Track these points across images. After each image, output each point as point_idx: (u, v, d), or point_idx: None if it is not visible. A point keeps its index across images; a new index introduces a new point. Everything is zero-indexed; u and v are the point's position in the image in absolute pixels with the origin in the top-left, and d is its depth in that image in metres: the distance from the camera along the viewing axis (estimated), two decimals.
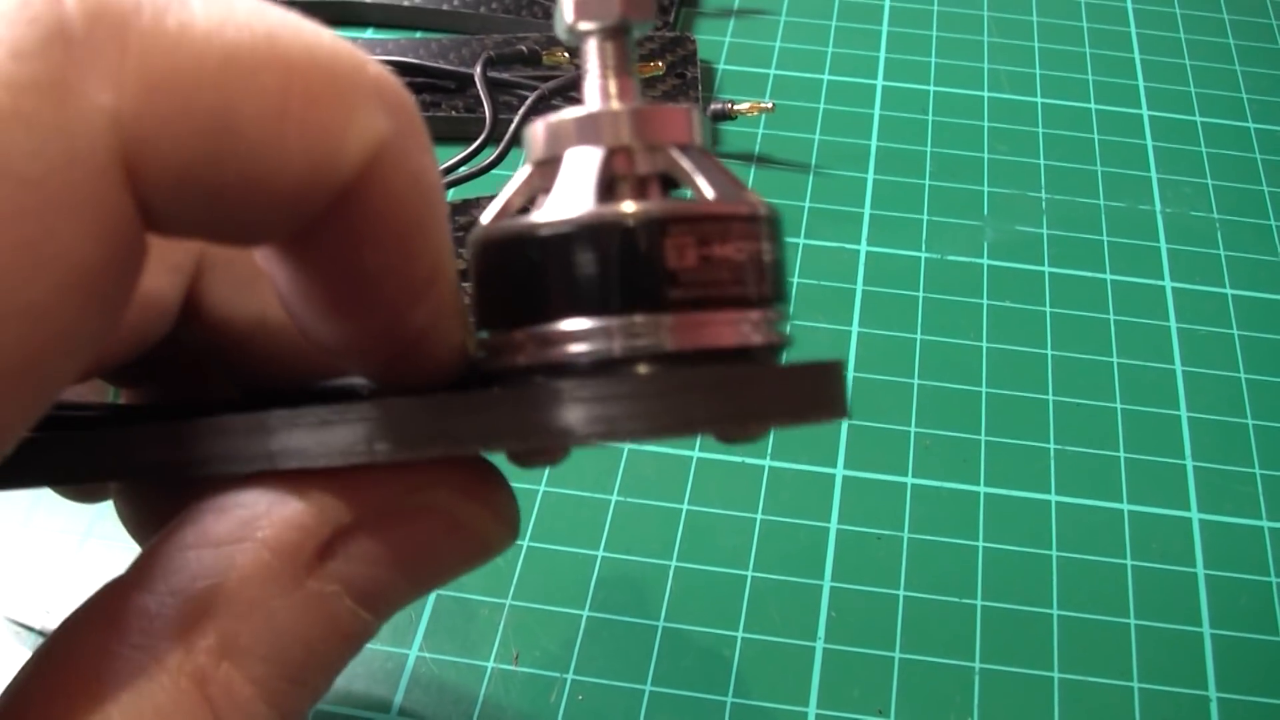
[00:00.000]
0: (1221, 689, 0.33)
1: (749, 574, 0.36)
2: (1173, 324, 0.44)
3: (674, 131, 0.20)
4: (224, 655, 0.20)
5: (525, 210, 0.20)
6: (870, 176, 0.49)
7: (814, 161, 0.50)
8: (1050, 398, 0.41)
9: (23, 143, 0.16)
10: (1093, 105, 0.53)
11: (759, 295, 0.19)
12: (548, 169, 0.19)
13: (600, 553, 0.36)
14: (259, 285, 0.26)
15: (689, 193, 0.20)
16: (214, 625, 0.20)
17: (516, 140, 0.48)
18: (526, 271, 0.18)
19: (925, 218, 0.47)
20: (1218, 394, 0.41)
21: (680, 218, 0.18)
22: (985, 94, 0.53)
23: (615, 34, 0.20)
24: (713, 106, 0.49)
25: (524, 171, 0.20)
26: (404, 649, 0.34)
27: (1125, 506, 0.38)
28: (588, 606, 0.35)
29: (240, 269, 0.26)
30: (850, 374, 0.42)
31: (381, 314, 0.19)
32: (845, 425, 0.40)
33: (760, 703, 0.33)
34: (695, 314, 0.18)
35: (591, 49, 0.20)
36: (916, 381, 0.41)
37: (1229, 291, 0.45)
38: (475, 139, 0.47)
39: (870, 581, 0.36)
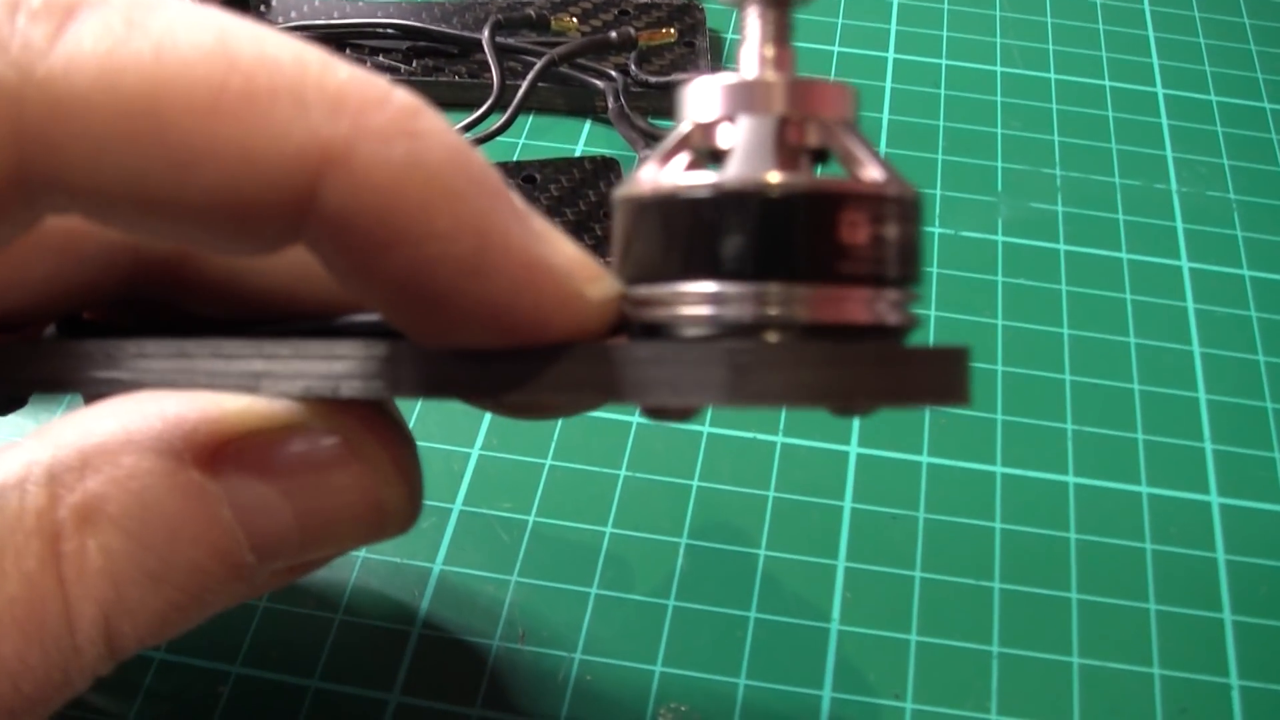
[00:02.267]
0: (1244, 676, 0.33)
1: (761, 553, 0.35)
2: (1190, 305, 0.43)
3: (838, 107, 0.20)
4: (86, 518, 0.19)
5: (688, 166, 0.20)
6: (882, 151, 0.48)
7: None
8: (1067, 377, 0.40)
9: None
10: (1107, 82, 0.52)
11: (907, 275, 0.20)
12: (709, 130, 0.20)
13: (608, 529, 0.35)
14: None
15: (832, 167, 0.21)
16: (85, 483, 0.19)
17: (524, 107, 0.46)
18: (704, 229, 0.19)
19: (938, 193, 0.47)
20: (1236, 377, 0.41)
21: (858, 195, 0.19)
22: (998, 69, 0.52)
23: (779, 3, 0.21)
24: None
25: (684, 128, 0.20)
26: (406, 626, 0.33)
27: (1144, 489, 0.37)
28: (596, 584, 0.34)
29: None
30: None
31: (452, 301, 0.19)
32: None
33: (774, 685, 0.32)
34: (858, 289, 0.19)
35: (753, 16, 0.21)
36: None
37: (1246, 273, 0.44)
38: (479, 105, 0.46)
39: (886, 562, 0.35)
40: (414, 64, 0.50)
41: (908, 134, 0.49)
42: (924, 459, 0.38)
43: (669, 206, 0.19)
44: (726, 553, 0.35)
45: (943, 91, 0.51)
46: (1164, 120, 0.50)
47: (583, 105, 0.50)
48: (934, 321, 0.42)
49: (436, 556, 0.34)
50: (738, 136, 0.20)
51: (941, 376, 0.20)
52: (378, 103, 0.18)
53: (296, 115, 0.17)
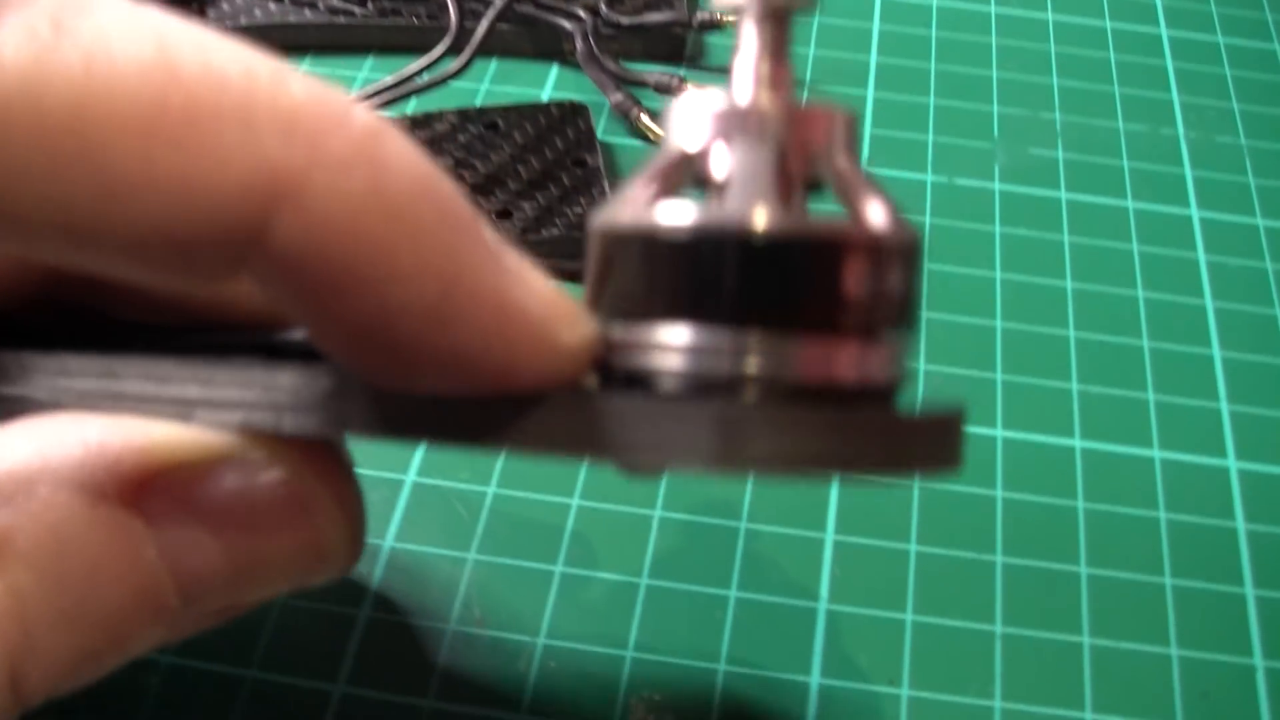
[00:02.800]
0: (1269, 656, 0.30)
1: (742, 526, 0.32)
2: (1201, 256, 0.40)
3: (838, 136, 0.19)
4: None
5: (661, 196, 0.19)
6: (870, 94, 0.45)
7: (809, 78, 0.46)
8: (1071, 333, 0.37)
9: None
10: (1107, 23, 0.49)
11: (900, 326, 0.19)
12: (698, 156, 0.18)
13: (575, 501, 0.32)
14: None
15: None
16: None
17: (484, 49, 0.43)
18: (685, 270, 0.17)
19: (931, 139, 0.44)
20: (1253, 332, 0.38)
21: (855, 243, 0.17)
22: (992, 9, 0.49)
23: (779, 15, 0.19)
24: (699, 16, 0.45)
25: (672, 154, 0.19)
26: (353, 609, 0.30)
27: (1156, 454, 0.34)
28: (561, 562, 0.31)
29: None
30: None
31: (416, 347, 0.17)
32: None
33: (757, 671, 0.29)
34: (847, 345, 0.18)
35: (749, 29, 0.19)
36: (925, 315, 0.37)
37: (1260, 222, 0.41)
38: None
39: (878, 535, 0.32)
40: (368, 5, 0.47)
41: (897, 77, 0.46)
42: None
43: (649, 243, 0.18)
44: (704, 526, 0.32)
45: (934, 33, 0.48)
46: (1169, 63, 0.47)
47: (550, 49, 0.47)
48: (926, 275, 0.39)
49: (387, 533, 0.31)
50: (732, 167, 0.18)
51: (940, 446, 0.19)
52: (336, 124, 0.16)
53: (244, 139, 0.15)
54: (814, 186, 0.19)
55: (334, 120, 0.16)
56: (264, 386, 0.19)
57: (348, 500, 0.21)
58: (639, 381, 0.18)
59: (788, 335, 0.17)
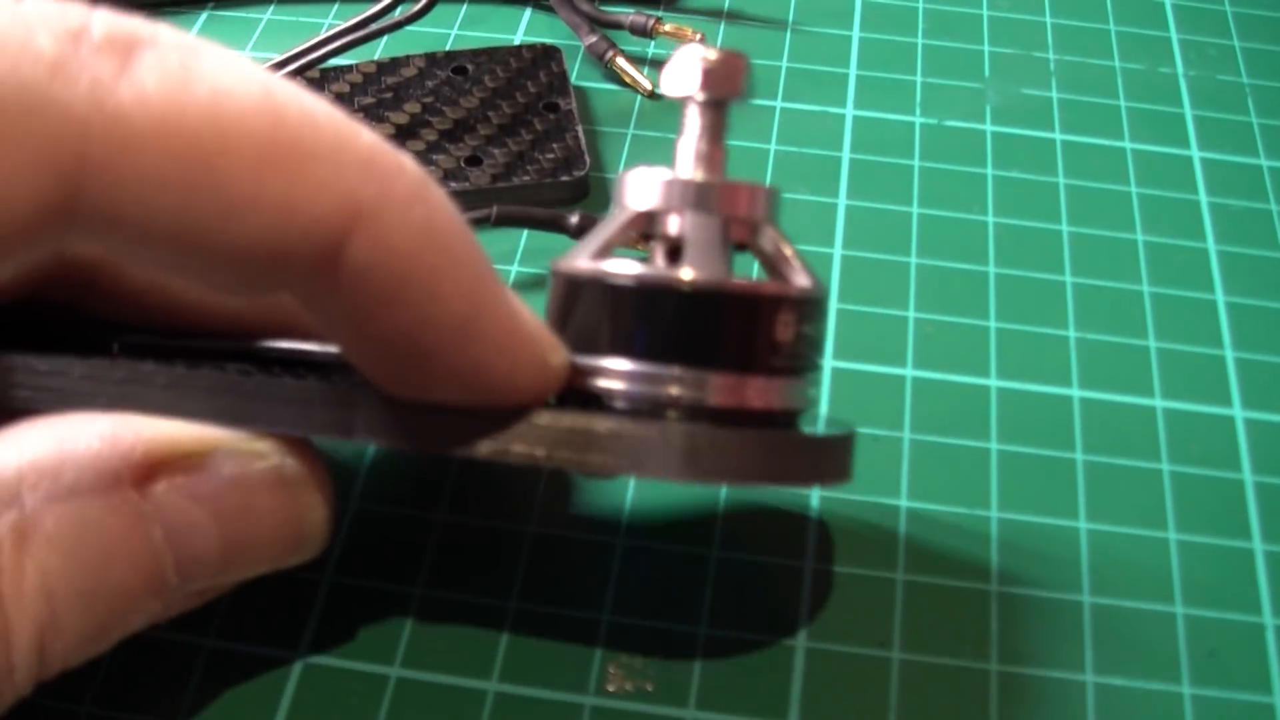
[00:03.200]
0: (1278, 613, 0.28)
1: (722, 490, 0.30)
2: (1203, 198, 0.38)
3: (766, 208, 0.24)
4: (24, 535, 0.20)
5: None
6: (855, 34, 0.44)
7: (791, 18, 0.44)
8: (1068, 279, 0.36)
9: (2, 88, 0.17)
10: None
11: (804, 366, 0.24)
12: (649, 219, 0.23)
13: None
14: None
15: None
16: (22, 500, 0.20)
17: None
18: (655, 316, 0.22)
19: (919, 79, 0.42)
20: (1257, 276, 0.36)
21: (790, 299, 0.23)
22: None
23: (720, 106, 0.24)
24: None
25: (623, 215, 0.24)
26: (314, 574, 0.28)
27: (1158, 403, 0.33)
28: (534, 521, 0.29)
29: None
30: (838, 252, 0.36)
31: (440, 357, 0.21)
32: (832, 311, 0.34)
33: (740, 634, 0.28)
34: (759, 379, 0.23)
35: (693, 114, 0.24)
36: (914, 260, 0.36)
37: (1264, 162, 0.40)
38: None
39: (867, 491, 0.30)
40: None
41: (883, 16, 0.44)
42: (908, 372, 0.33)
43: (606, 290, 0.23)
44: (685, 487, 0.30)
45: None
46: None
47: None
48: (916, 219, 0.37)
49: (352, 491, 0.30)
50: (684, 232, 0.23)
51: (841, 463, 0.25)
52: (399, 169, 0.20)
53: (334, 173, 0.19)
54: (740, 248, 0.24)
55: (398, 166, 0.20)
56: (274, 398, 0.23)
57: (328, 494, 0.24)
58: (590, 402, 0.23)
59: (708, 370, 0.22)
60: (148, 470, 0.21)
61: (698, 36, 0.40)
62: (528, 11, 0.45)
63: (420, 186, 0.20)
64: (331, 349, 0.24)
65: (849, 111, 0.41)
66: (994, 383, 0.33)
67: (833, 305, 0.35)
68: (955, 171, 0.39)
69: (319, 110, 0.19)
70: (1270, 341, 0.34)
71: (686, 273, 0.22)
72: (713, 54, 0.23)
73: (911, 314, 0.35)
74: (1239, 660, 0.28)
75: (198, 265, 0.19)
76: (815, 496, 0.30)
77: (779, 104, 0.41)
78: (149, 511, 0.21)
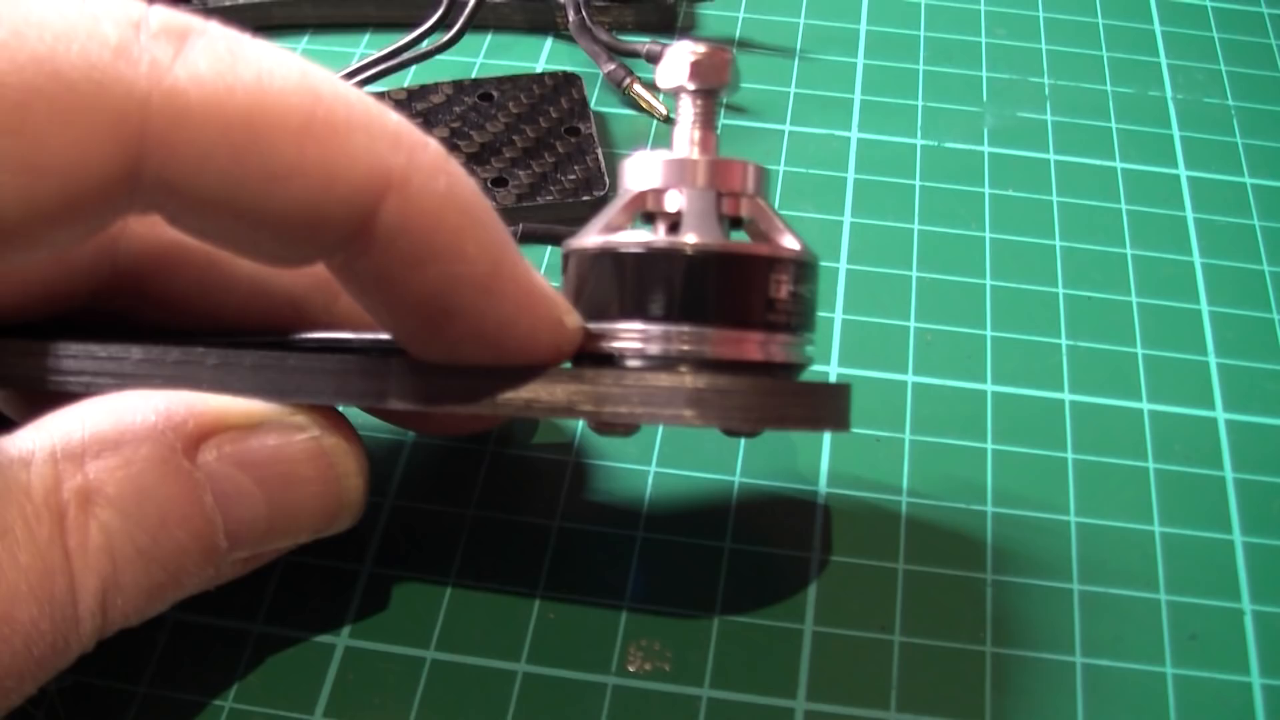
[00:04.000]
0: (1256, 600, 0.30)
1: (736, 480, 0.32)
2: (1189, 214, 0.40)
3: (752, 182, 0.26)
4: (88, 498, 0.21)
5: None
6: (860, 61, 0.46)
7: (799, 46, 0.46)
8: (1060, 290, 0.38)
9: (74, 68, 0.19)
10: None
11: (800, 324, 0.26)
12: (650, 198, 0.25)
13: (570, 459, 0.33)
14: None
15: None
16: (86, 466, 0.21)
17: (476, 24, 0.44)
18: (660, 280, 0.24)
19: (920, 103, 0.44)
20: (1240, 287, 0.38)
21: (782, 260, 0.25)
22: None
23: (709, 95, 0.26)
24: None
25: (628, 195, 0.26)
26: (355, 565, 0.30)
27: (1145, 405, 0.35)
28: (558, 517, 0.31)
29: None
30: (843, 266, 0.38)
31: (465, 317, 0.23)
32: (837, 320, 0.36)
33: (751, 619, 0.30)
34: (756, 333, 0.25)
35: (687, 103, 0.26)
36: (915, 274, 0.38)
37: (1248, 180, 0.42)
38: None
39: (870, 488, 0.32)
40: None
41: (887, 44, 0.46)
42: (909, 378, 0.35)
43: (615, 260, 0.25)
44: (698, 480, 0.32)
45: (923, 0, 0.48)
46: (1157, 26, 0.48)
47: (544, 21, 0.47)
48: (917, 235, 0.39)
49: (389, 488, 0.32)
50: (683, 205, 0.25)
51: (839, 409, 0.26)
52: (423, 144, 0.22)
53: (368, 144, 0.21)
54: (736, 223, 0.26)
55: (423, 141, 0.22)
56: (315, 371, 0.24)
57: (363, 464, 0.26)
58: (605, 361, 0.25)
59: (710, 326, 0.24)
60: (199, 440, 0.23)
61: None
62: (549, 40, 0.47)
63: (443, 159, 0.22)
64: (363, 335, 0.26)
65: (854, 134, 0.43)
66: (990, 387, 0.35)
67: (838, 315, 0.37)
68: (954, 190, 0.41)
69: (352, 92, 0.21)
70: (1251, 348, 0.36)
71: (689, 239, 0.24)
72: (701, 48, 0.26)
73: (912, 323, 0.36)
74: (1219, 643, 0.30)
75: (247, 231, 0.21)
76: (822, 492, 0.32)
77: (787, 127, 0.43)
78: (200, 478, 0.23)
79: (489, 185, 0.39)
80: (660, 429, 0.33)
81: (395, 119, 0.21)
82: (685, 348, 0.24)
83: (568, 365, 0.25)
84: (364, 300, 0.23)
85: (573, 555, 0.31)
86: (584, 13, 0.45)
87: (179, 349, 0.24)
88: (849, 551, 0.31)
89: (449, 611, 0.30)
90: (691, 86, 0.26)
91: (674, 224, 0.25)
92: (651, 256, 0.24)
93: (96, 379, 0.24)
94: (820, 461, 0.33)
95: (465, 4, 0.43)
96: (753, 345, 0.24)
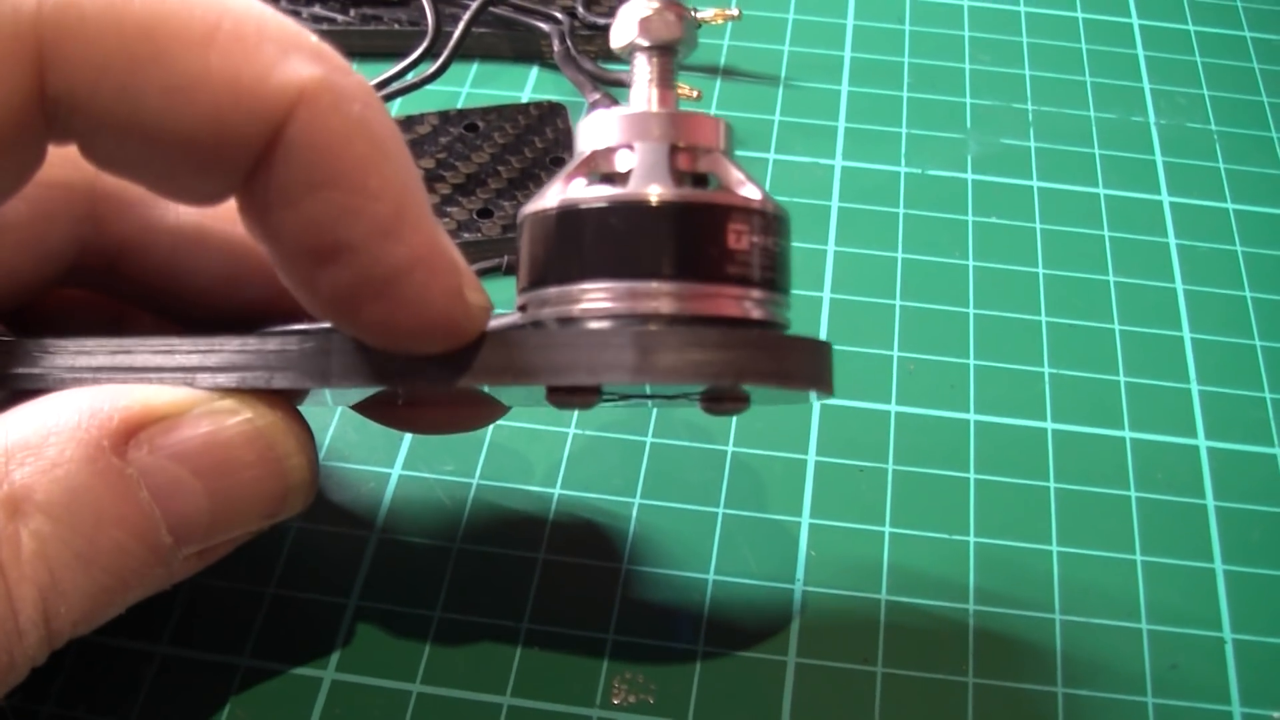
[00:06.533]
0: (1237, 629, 0.31)
1: (720, 511, 0.32)
2: (1171, 240, 0.41)
3: (715, 137, 0.24)
4: (16, 507, 0.21)
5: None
6: (844, 89, 0.46)
7: (784, 74, 0.47)
8: (1043, 319, 0.38)
9: None
10: (1079, 14, 0.50)
11: (773, 279, 0.24)
12: (607, 155, 0.23)
13: (557, 491, 0.33)
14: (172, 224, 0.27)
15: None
16: (11, 475, 0.21)
17: (462, 52, 0.44)
18: (602, 236, 0.22)
19: (904, 131, 0.44)
20: (1222, 314, 0.38)
21: (729, 206, 0.23)
22: (965, 1, 0.50)
23: (665, 51, 0.24)
24: None
25: (582, 154, 0.24)
26: (341, 599, 0.30)
27: (1127, 434, 0.35)
28: (544, 549, 0.32)
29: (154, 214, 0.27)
30: (826, 295, 0.38)
31: (357, 255, 0.21)
32: None
33: (735, 652, 0.30)
34: (729, 288, 0.23)
35: (641, 62, 0.24)
36: (898, 302, 0.38)
37: (1230, 206, 0.42)
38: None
39: (853, 518, 0.33)
40: (351, 13, 0.48)
41: (871, 71, 0.47)
42: (892, 408, 0.35)
43: (572, 217, 0.23)
44: (682, 512, 0.33)
45: (907, 27, 0.49)
46: (1140, 51, 0.48)
47: (529, 51, 0.47)
48: (901, 263, 0.39)
49: (375, 521, 0.32)
50: (634, 160, 0.23)
51: (813, 364, 0.24)
52: (346, 68, 0.21)
53: (280, 57, 0.20)
54: (702, 180, 0.24)
55: (345, 65, 0.21)
56: (257, 351, 0.23)
57: (305, 443, 0.25)
58: (546, 328, 0.23)
59: (678, 280, 0.22)
60: (127, 435, 0.22)
61: (695, 94, 0.43)
62: (534, 70, 0.47)
63: (364, 90, 0.21)
64: (320, 326, 0.25)
65: (838, 162, 0.43)
66: (972, 416, 0.35)
67: None
68: (937, 218, 0.41)
69: (267, 10, 0.21)
70: (1233, 375, 0.36)
71: (623, 190, 0.23)
72: (654, 4, 0.24)
73: (895, 353, 0.37)
74: (1200, 673, 0.30)
75: (159, 156, 0.20)
76: (805, 523, 0.32)
77: (772, 156, 0.43)
78: (133, 475, 0.22)
79: (475, 216, 0.40)
80: (649, 438, 0.33)
81: (318, 41, 0.21)
82: (636, 305, 0.22)
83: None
84: (257, 229, 0.22)
85: (557, 587, 0.31)
86: (569, 42, 0.45)
87: (116, 341, 0.24)
88: (831, 583, 0.31)
89: (434, 644, 0.30)
90: (644, 43, 0.24)
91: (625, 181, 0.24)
92: (582, 211, 0.23)
93: (51, 373, 0.24)
94: (804, 491, 0.33)
95: (451, 35, 0.44)
96: (723, 301, 0.22)
